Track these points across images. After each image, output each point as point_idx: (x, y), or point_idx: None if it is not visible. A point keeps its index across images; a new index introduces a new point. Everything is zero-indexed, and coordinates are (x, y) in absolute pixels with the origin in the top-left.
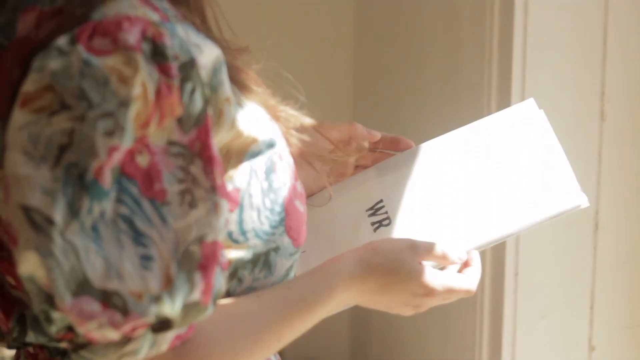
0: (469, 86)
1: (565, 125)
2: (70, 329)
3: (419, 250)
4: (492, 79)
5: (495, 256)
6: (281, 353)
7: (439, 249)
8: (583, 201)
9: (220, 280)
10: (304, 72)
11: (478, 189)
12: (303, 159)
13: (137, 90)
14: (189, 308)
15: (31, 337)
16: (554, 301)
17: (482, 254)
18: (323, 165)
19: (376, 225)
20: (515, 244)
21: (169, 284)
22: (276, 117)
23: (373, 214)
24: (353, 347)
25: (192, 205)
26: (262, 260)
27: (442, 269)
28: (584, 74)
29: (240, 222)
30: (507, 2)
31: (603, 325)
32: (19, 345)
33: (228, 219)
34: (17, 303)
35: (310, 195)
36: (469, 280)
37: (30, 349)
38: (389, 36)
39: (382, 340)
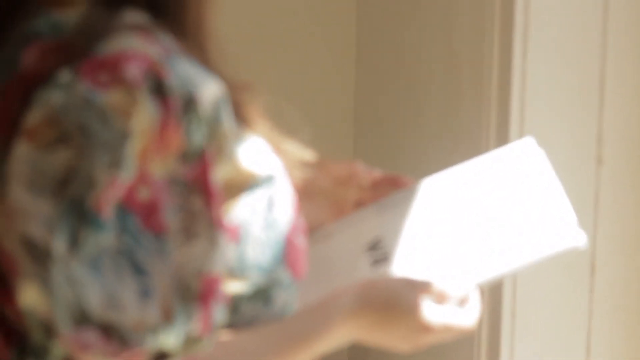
0: (467, 129)
1: (562, 169)
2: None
3: (417, 286)
4: (490, 123)
5: (492, 297)
6: None
7: (437, 286)
8: (582, 240)
9: (219, 314)
10: (305, 113)
11: (476, 226)
12: (304, 194)
13: (138, 125)
14: (188, 341)
15: None
16: (551, 343)
17: (480, 295)
18: (323, 201)
19: (375, 262)
20: (512, 285)
21: (167, 317)
22: (277, 150)
23: (372, 251)
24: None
25: (192, 239)
26: (261, 294)
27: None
28: (581, 118)
29: (240, 257)
30: (506, 45)
31: None
32: None
33: (228, 253)
34: (16, 334)
35: (309, 230)
36: (469, 317)
37: None
38: (389, 78)
39: None
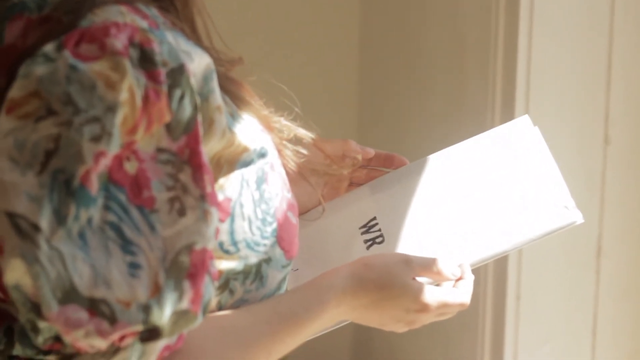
0: (472, 108)
1: (569, 149)
2: (57, 339)
3: (413, 265)
4: (496, 103)
5: (497, 280)
6: None
7: (433, 265)
8: (577, 217)
9: (209, 289)
10: (310, 92)
11: (472, 206)
12: (297, 173)
13: (124, 96)
14: (178, 317)
15: (18, 349)
16: (556, 326)
17: (484, 278)
18: (317, 180)
19: (369, 242)
20: (517, 267)
21: (157, 292)
22: (269, 128)
23: (366, 232)
24: None
25: (181, 213)
26: (254, 272)
27: (437, 285)
28: (588, 98)
29: (232, 233)
30: (511, 26)
31: (605, 351)
32: (6, 358)
33: (219, 228)
34: (3, 315)
35: (304, 211)
36: (463, 294)
37: None
38: (394, 58)
39: None
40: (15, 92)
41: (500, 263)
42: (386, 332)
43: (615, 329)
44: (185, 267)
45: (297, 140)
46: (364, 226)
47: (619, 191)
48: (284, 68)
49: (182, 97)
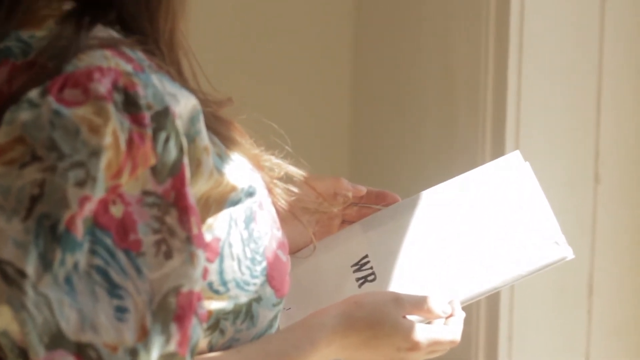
0: (463, 145)
1: (559, 188)
2: None
3: (403, 303)
4: (486, 140)
5: (488, 320)
6: None
7: (423, 303)
8: (568, 253)
9: (197, 331)
10: (301, 130)
11: (463, 242)
12: (288, 211)
13: (108, 140)
14: (165, 359)
15: None
16: None
17: (476, 318)
18: (308, 218)
19: (361, 280)
20: (509, 307)
21: (144, 336)
22: (259, 167)
23: (358, 270)
24: None
25: (168, 255)
26: (244, 311)
27: (427, 323)
28: (578, 137)
29: (221, 272)
30: (501, 63)
31: None
32: None
33: (208, 268)
34: None
35: (295, 250)
36: (453, 331)
37: None
38: (385, 96)
39: None
40: (0, 138)
41: (492, 303)
42: None
43: None
44: (172, 310)
45: (287, 179)
46: (356, 264)
47: (610, 229)
48: (274, 106)
49: (167, 140)
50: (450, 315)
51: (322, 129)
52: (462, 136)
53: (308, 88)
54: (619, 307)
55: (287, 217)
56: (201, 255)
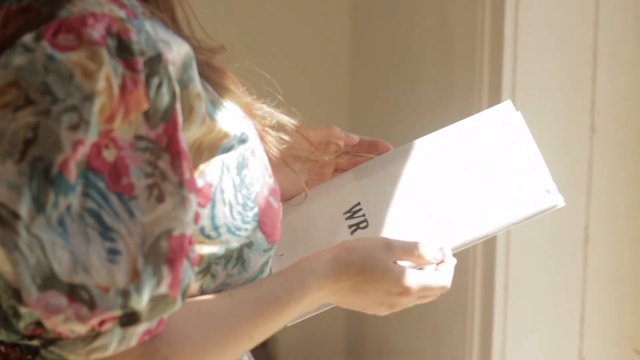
0: (460, 97)
1: (555, 138)
2: (39, 324)
3: (394, 249)
4: (483, 93)
5: (485, 270)
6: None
7: (414, 249)
8: (559, 201)
9: (188, 274)
10: (300, 85)
11: (455, 190)
12: (281, 160)
13: (101, 85)
14: (156, 301)
15: (3, 335)
16: (544, 314)
17: (473, 268)
18: (300, 166)
19: (353, 228)
20: (505, 257)
21: (135, 278)
22: (251, 115)
23: (350, 217)
24: None
25: (160, 199)
26: (236, 256)
27: (419, 269)
28: (574, 87)
29: (212, 218)
30: (498, 16)
31: (593, 338)
32: None
33: (199, 213)
34: None
35: (288, 197)
36: (444, 277)
37: (2, 348)
38: (383, 49)
39: (376, 355)
40: None
41: (488, 253)
42: (379, 323)
43: (603, 316)
44: (163, 253)
45: (279, 127)
46: (348, 211)
47: (606, 179)
48: (273, 58)
49: (160, 85)
50: (441, 262)
51: (320, 83)
52: (459, 88)
53: (306, 44)
54: (614, 256)
55: (280, 165)
56: (193, 199)
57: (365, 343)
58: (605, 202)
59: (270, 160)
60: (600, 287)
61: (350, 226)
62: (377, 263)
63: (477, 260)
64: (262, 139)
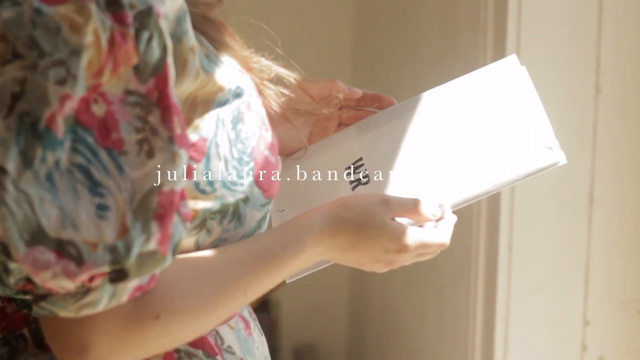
0: (464, 54)
1: (560, 98)
2: (29, 280)
3: (392, 205)
4: (487, 51)
5: (489, 230)
6: (278, 338)
7: (412, 205)
8: (561, 158)
9: (179, 230)
10: (304, 50)
11: (457, 146)
12: (281, 114)
13: (88, 39)
14: (146, 258)
15: None
16: (548, 275)
17: (477, 229)
18: (302, 120)
19: (355, 183)
20: (509, 217)
21: (124, 234)
22: (249, 69)
23: (352, 172)
24: (351, 329)
25: (150, 154)
26: (231, 211)
27: (419, 226)
28: (579, 47)
29: (207, 172)
30: None
31: (598, 299)
32: None
33: (194, 168)
34: None
35: (289, 152)
36: (442, 234)
37: None
38: (387, 4)
39: (379, 318)
40: None
41: (492, 213)
42: (382, 287)
43: (608, 277)
44: (153, 209)
45: (279, 81)
46: (350, 167)
47: (611, 139)
48: (274, 14)
49: (150, 39)
50: (441, 219)
51: (323, 41)
52: (462, 45)
53: (311, 20)
54: (619, 217)
55: (281, 119)
56: (183, 154)
57: (368, 307)
58: (610, 163)
59: (270, 114)
60: (604, 248)
61: (351, 182)
62: (373, 219)
63: (481, 222)
64: (260, 92)
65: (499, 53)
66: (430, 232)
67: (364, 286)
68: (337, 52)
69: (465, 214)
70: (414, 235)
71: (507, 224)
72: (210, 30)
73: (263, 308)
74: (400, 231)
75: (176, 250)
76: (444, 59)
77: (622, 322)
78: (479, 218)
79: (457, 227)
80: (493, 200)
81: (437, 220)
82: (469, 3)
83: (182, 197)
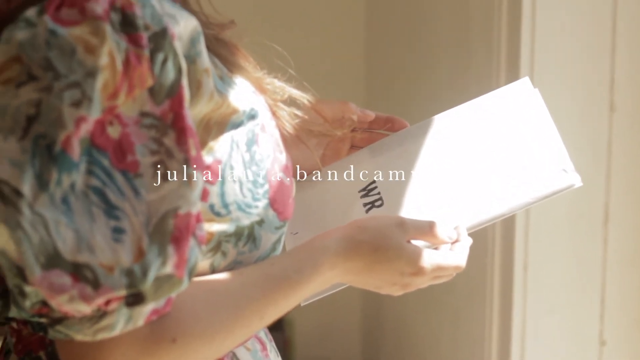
0: (477, 75)
1: (574, 117)
2: (45, 303)
3: (407, 228)
4: (501, 71)
5: (504, 250)
6: (292, 357)
7: (427, 228)
8: (576, 180)
9: (195, 253)
10: (317, 71)
11: (471, 168)
12: (295, 135)
13: (103, 60)
14: (162, 281)
15: (14, 312)
16: (564, 295)
17: (492, 249)
18: (316, 142)
19: (369, 206)
20: (524, 237)
21: (140, 257)
22: (262, 90)
23: (366, 195)
24: (365, 348)
25: (165, 177)
26: (246, 234)
27: (434, 248)
28: (593, 65)
29: (222, 195)
30: None
31: (614, 319)
32: (3, 320)
33: (208, 190)
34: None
35: (303, 175)
36: (458, 256)
37: (14, 325)
38: (400, 25)
39: (394, 338)
40: None
41: (508, 233)
42: (396, 307)
43: (624, 296)
44: (169, 232)
45: (292, 102)
46: (364, 189)
47: (625, 158)
48: (287, 35)
49: (165, 61)
50: (456, 241)
51: (336, 62)
52: (476, 66)
53: (321, 22)
54: (634, 236)
55: (294, 141)
56: (199, 177)
57: (382, 326)
58: (625, 182)
59: (283, 136)
60: (620, 267)
61: (365, 204)
62: (390, 242)
63: (496, 242)
64: (274, 114)
65: (513, 72)
66: (446, 255)
67: (379, 305)
68: (350, 73)
69: (480, 234)
70: (430, 258)
71: (522, 244)
72: (223, 52)
73: (277, 327)
74: (417, 254)
75: (192, 273)
76: (457, 79)
77: (639, 342)
78: (494, 238)
79: (472, 248)
80: (508, 221)
81: (453, 243)
82: (482, 23)
83: (198, 219)
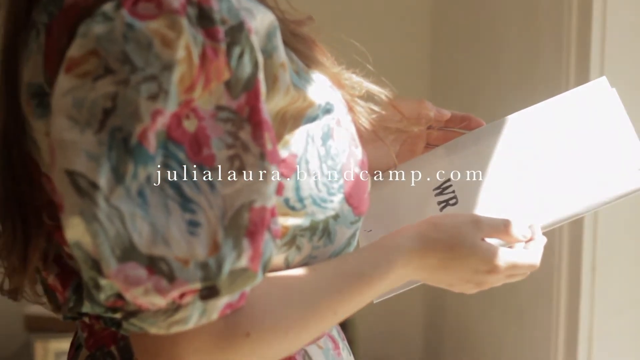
0: (545, 74)
1: None
2: (119, 296)
3: (482, 226)
4: (570, 69)
5: (572, 251)
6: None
7: (502, 226)
8: None
9: (269, 247)
10: (381, 62)
11: (547, 168)
12: (372, 131)
13: (180, 54)
14: (236, 275)
15: (87, 307)
16: (632, 296)
17: (559, 249)
18: (392, 138)
19: (443, 204)
20: (592, 237)
21: (215, 251)
22: (340, 85)
23: (440, 193)
24: (427, 348)
25: (241, 171)
26: (321, 228)
27: (509, 247)
28: None
29: (297, 189)
30: None
31: None
32: (75, 315)
33: (283, 184)
34: (72, 273)
35: (378, 171)
36: (533, 255)
37: (86, 320)
38: (466, 24)
39: (456, 340)
40: (74, 51)
41: (575, 234)
42: (459, 304)
43: None
44: (244, 226)
45: (369, 98)
46: (438, 187)
47: None
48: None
49: (241, 55)
50: (530, 240)
51: (402, 60)
52: (544, 66)
53: (388, 22)
54: None
55: (371, 137)
56: (274, 171)
57: (444, 328)
58: None
59: (360, 132)
60: None
61: (439, 202)
62: (464, 240)
63: (564, 242)
64: (350, 109)
65: (583, 73)
66: (521, 253)
67: (440, 307)
68: (416, 73)
69: (547, 234)
70: (504, 256)
71: (590, 244)
72: (300, 47)
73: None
74: (491, 252)
75: (267, 267)
76: (524, 79)
77: None
78: (561, 238)
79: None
80: (576, 221)
81: (527, 242)
82: (551, 23)
83: (273, 213)
